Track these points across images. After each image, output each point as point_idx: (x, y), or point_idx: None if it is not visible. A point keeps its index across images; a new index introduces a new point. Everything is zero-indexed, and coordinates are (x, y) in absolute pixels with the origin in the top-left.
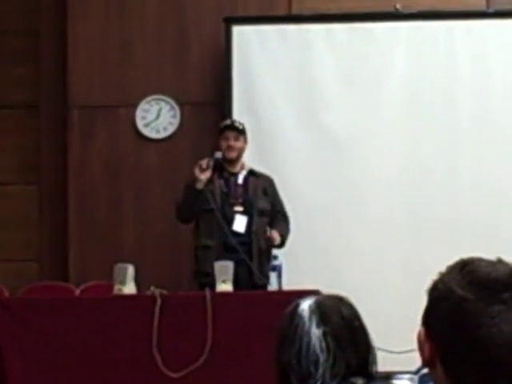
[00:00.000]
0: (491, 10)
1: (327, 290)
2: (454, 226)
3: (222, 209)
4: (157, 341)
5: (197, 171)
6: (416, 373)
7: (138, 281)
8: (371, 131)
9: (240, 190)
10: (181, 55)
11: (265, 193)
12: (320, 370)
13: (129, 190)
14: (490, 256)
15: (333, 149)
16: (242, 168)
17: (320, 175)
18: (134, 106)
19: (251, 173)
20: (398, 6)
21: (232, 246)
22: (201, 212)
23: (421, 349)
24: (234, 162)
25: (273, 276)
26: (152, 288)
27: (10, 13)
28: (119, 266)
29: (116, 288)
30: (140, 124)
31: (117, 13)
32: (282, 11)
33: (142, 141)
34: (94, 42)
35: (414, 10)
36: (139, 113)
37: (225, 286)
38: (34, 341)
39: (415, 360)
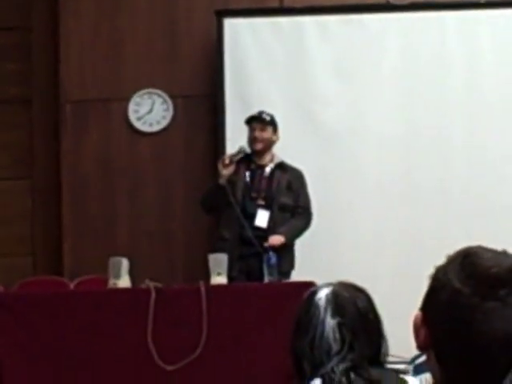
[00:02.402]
0: (483, 1)
1: (324, 279)
2: (447, 222)
3: (243, 202)
4: (152, 334)
5: (220, 166)
6: (410, 362)
7: (132, 274)
8: (365, 122)
9: (264, 184)
10: (173, 48)
11: (289, 187)
12: (332, 360)
13: (122, 183)
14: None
15: (326, 139)
16: (272, 160)
17: (314, 168)
18: (127, 99)
19: (280, 166)
20: None
21: (247, 239)
22: (223, 205)
23: (416, 333)
24: (262, 153)
25: (265, 269)
26: (147, 281)
27: (2, 9)
28: (114, 259)
29: (111, 282)
30: (133, 118)
31: (108, 8)
32: (273, 3)
33: (135, 134)
34: (86, 37)
35: (406, 1)
36: (132, 106)
37: (219, 279)
38: (28, 335)
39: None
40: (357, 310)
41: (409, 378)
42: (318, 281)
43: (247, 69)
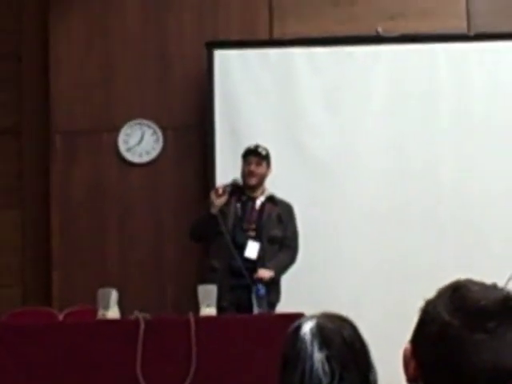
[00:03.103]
0: (472, 34)
1: (314, 309)
2: (437, 252)
3: (233, 233)
4: (141, 365)
5: (212, 196)
6: None
7: (122, 305)
8: (354, 154)
9: (255, 216)
10: (163, 79)
11: (279, 220)
12: None
13: (112, 214)
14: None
15: (316, 171)
16: (263, 193)
17: (303, 198)
18: (117, 130)
19: (270, 199)
20: (379, 30)
21: (237, 270)
22: (213, 234)
23: (406, 365)
24: (255, 187)
25: (254, 300)
26: (136, 312)
27: None
28: (103, 290)
29: (100, 313)
30: (123, 148)
31: (99, 37)
32: (263, 35)
33: (124, 165)
34: (76, 67)
35: (396, 33)
36: (122, 137)
37: (209, 310)
38: (17, 366)
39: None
40: (343, 341)
41: None
42: (307, 310)
43: (237, 100)
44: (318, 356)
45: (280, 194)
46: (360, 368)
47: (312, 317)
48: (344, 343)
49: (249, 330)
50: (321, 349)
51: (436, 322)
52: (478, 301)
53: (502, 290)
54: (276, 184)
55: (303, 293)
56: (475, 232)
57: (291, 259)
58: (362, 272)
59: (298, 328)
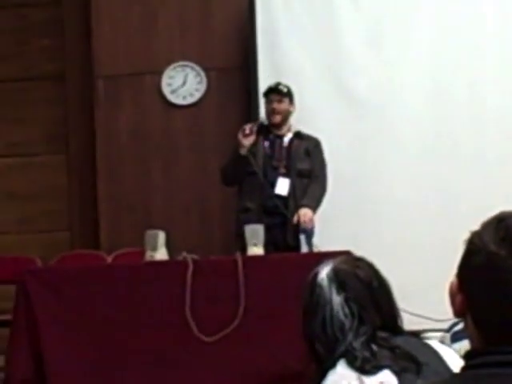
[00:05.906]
0: None
1: (358, 250)
2: (482, 189)
3: (264, 171)
4: (190, 306)
5: (240, 136)
6: (448, 330)
7: (168, 248)
8: (397, 91)
9: (284, 153)
10: (205, 20)
11: (307, 154)
12: (347, 335)
13: (157, 156)
14: None
15: (358, 110)
16: (289, 130)
17: (346, 137)
18: (160, 73)
19: (297, 135)
20: None
21: (271, 209)
22: (244, 175)
23: (452, 300)
24: (280, 124)
25: (302, 239)
26: (184, 253)
27: None
28: (150, 232)
29: (148, 254)
30: (166, 91)
31: None
32: None
33: (168, 108)
34: (118, 10)
35: None
36: (165, 80)
37: (256, 250)
38: (67, 310)
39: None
40: (359, 281)
41: (431, 342)
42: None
43: (280, 40)
44: (337, 299)
45: (321, 133)
46: (379, 306)
47: (328, 263)
48: (360, 283)
49: (297, 268)
50: (338, 292)
51: (482, 253)
52: None
53: None
54: (318, 123)
55: (345, 235)
56: None
57: (322, 189)
58: (407, 212)
59: (316, 275)
